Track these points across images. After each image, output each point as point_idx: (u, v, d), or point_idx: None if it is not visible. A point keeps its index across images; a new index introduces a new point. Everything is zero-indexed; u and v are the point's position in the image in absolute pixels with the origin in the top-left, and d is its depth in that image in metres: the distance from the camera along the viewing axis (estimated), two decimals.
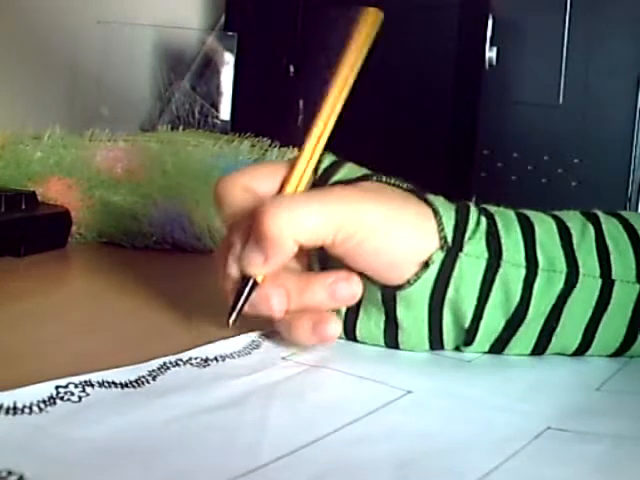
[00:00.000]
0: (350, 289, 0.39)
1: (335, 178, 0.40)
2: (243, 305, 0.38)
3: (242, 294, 0.38)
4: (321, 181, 0.40)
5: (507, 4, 0.87)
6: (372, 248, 0.37)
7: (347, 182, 0.40)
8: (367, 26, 0.41)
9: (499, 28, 0.87)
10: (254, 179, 0.40)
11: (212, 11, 1.11)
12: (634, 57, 0.83)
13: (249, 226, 0.38)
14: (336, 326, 0.39)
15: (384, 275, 0.38)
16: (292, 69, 0.97)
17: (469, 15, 0.89)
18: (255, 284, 0.38)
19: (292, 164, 0.40)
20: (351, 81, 0.41)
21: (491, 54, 0.87)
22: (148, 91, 0.98)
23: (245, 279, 0.38)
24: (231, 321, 0.38)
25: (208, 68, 1.00)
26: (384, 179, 0.40)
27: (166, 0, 1.09)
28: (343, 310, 0.41)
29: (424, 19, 0.91)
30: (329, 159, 0.41)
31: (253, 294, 0.38)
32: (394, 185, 0.40)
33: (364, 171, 0.41)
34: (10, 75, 0.93)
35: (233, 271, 0.38)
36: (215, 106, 0.99)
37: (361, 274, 0.39)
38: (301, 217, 0.36)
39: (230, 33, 1.01)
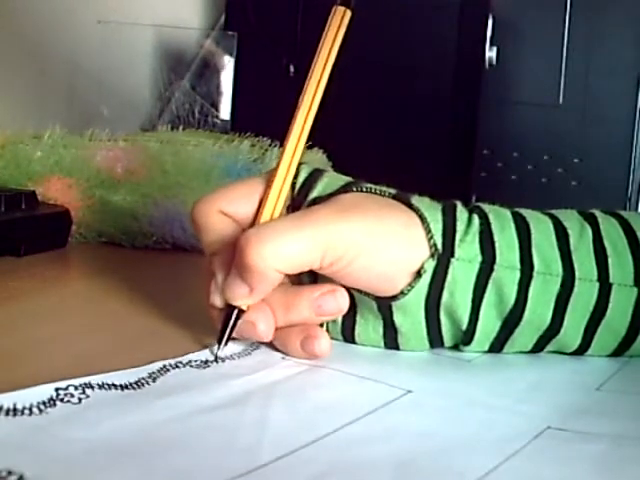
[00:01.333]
0: (336, 303, 0.38)
1: (314, 194, 0.39)
2: (230, 335, 0.38)
3: (228, 325, 0.38)
4: (300, 197, 0.40)
5: (507, 4, 0.87)
6: (361, 266, 0.37)
7: (327, 196, 0.39)
8: (335, 25, 0.40)
9: (499, 28, 0.87)
10: (230, 203, 0.39)
11: (212, 11, 1.11)
12: (634, 57, 0.83)
13: (230, 255, 0.37)
14: (325, 342, 0.38)
15: (377, 288, 0.38)
16: (292, 69, 0.97)
17: (469, 15, 0.89)
18: (241, 312, 0.38)
19: (268, 180, 0.39)
20: (324, 84, 0.40)
21: (491, 54, 0.87)
22: (148, 91, 0.98)
23: (230, 308, 0.38)
24: (220, 353, 0.38)
25: (208, 68, 1.00)
26: (365, 188, 0.39)
27: (166, 0, 1.09)
28: (339, 317, 0.40)
29: (424, 19, 0.91)
30: (306, 171, 0.40)
31: (239, 322, 0.38)
32: (376, 193, 0.39)
33: (343, 180, 0.40)
34: (10, 75, 0.92)
35: (217, 301, 0.38)
36: (215, 106, 0.99)
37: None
38: (285, 247, 0.36)
39: (230, 33, 1.01)
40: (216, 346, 0.38)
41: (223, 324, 0.38)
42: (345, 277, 0.37)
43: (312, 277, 0.40)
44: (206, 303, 0.39)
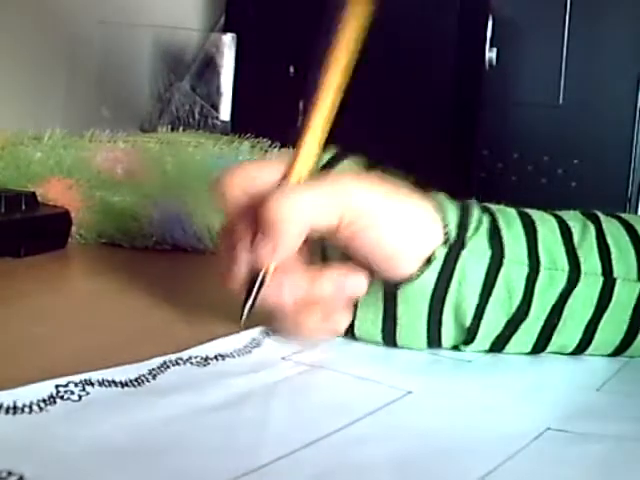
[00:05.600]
0: (357, 281, 0.39)
1: (337, 168, 0.40)
2: (256, 298, 0.38)
3: (254, 287, 0.38)
4: (324, 172, 0.40)
5: (507, 4, 0.87)
6: (376, 236, 0.37)
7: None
8: (357, 16, 0.40)
9: (499, 28, 0.87)
10: (255, 171, 0.40)
11: (212, 11, 1.11)
12: (634, 57, 0.82)
13: (254, 219, 0.37)
14: (347, 317, 0.39)
15: (386, 267, 0.38)
16: (292, 69, 0.97)
17: (469, 15, 0.89)
18: (264, 279, 0.38)
19: (293, 158, 0.40)
20: (347, 72, 0.40)
21: (491, 54, 0.87)
22: (148, 91, 0.98)
23: (255, 273, 0.38)
24: (245, 315, 0.38)
25: (208, 68, 1.00)
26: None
27: (166, 0, 1.09)
28: None
29: (424, 19, 0.91)
30: (330, 153, 0.41)
31: (264, 286, 0.38)
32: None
33: (366, 164, 0.41)
34: (10, 75, 0.92)
35: (242, 266, 0.38)
36: (215, 107, 0.99)
37: (364, 267, 0.39)
38: (307, 199, 0.37)
39: (230, 33, 1.01)
40: (229, 338, 0.38)
41: (248, 289, 0.38)
42: (358, 247, 0.38)
43: (323, 259, 0.40)
44: (225, 275, 0.39)
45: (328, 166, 0.41)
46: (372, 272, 0.39)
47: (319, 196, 0.37)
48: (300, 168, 0.39)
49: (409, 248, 0.38)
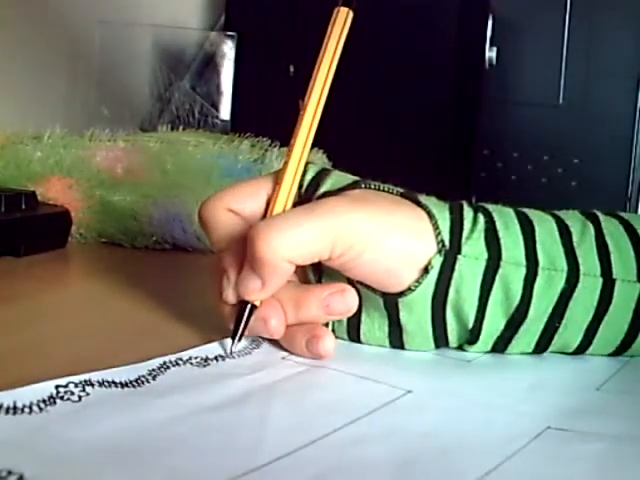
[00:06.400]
0: (345, 303, 0.38)
1: (322, 190, 0.40)
2: (244, 331, 0.38)
3: (241, 320, 0.38)
4: (308, 194, 0.40)
5: (507, 4, 0.87)
6: (370, 258, 0.37)
7: (336, 191, 0.39)
8: (338, 26, 0.41)
9: (499, 28, 0.87)
10: (238, 200, 0.40)
11: (212, 11, 1.11)
12: (634, 57, 0.82)
13: (240, 250, 0.37)
14: (329, 342, 0.38)
15: (384, 283, 0.38)
16: (292, 69, 0.97)
17: (469, 15, 0.89)
18: (253, 308, 0.38)
19: (276, 179, 0.40)
20: (328, 84, 0.40)
21: (491, 54, 0.87)
22: (148, 91, 0.98)
23: (242, 304, 0.38)
24: (234, 349, 0.38)
25: (208, 68, 1.00)
26: (373, 185, 0.40)
27: (166, 0, 1.09)
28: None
29: (424, 19, 0.91)
30: (313, 170, 0.41)
31: (251, 319, 0.38)
32: (384, 190, 0.40)
33: (351, 178, 0.40)
34: (10, 75, 0.93)
35: (230, 297, 0.38)
36: (215, 106, 0.99)
37: (360, 282, 0.39)
38: (295, 238, 0.36)
39: (230, 33, 1.01)
40: (228, 341, 0.38)
41: (236, 320, 0.38)
42: (353, 270, 0.37)
43: (317, 275, 0.40)
44: (217, 300, 0.39)
45: (313, 185, 0.40)
46: (368, 285, 0.39)
47: (307, 232, 0.36)
48: (284, 193, 0.39)
49: (405, 263, 0.37)
